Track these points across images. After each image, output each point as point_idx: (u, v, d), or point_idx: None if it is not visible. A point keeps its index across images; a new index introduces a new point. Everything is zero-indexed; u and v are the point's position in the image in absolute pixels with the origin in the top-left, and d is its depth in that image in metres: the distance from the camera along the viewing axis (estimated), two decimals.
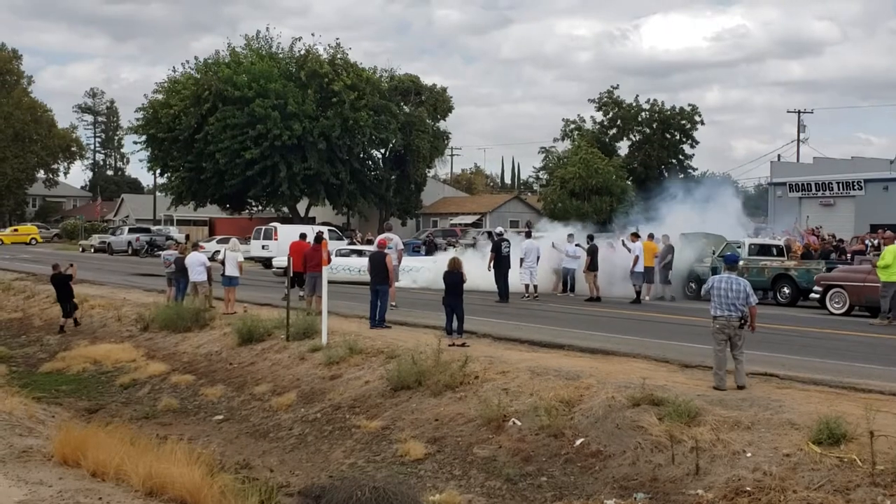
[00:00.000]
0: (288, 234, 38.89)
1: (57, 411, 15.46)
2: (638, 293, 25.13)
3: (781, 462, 9.50)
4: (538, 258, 26.12)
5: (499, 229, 28.53)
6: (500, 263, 24.87)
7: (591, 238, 26.24)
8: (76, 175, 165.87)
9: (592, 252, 25.59)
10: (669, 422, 10.78)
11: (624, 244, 25.54)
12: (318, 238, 21.85)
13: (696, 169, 62.11)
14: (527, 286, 26.01)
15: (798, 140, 65.00)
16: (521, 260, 26.02)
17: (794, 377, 12.61)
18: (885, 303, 19.72)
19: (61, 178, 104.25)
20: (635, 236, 25.38)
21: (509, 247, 25.48)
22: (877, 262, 20.12)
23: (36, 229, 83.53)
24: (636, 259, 24.86)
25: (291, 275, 21.68)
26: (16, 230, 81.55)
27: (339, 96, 57.16)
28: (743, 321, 12.09)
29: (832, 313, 21.99)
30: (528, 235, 26.92)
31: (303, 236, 25.74)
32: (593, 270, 25.64)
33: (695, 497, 9.42)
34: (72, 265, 25.73)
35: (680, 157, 61.00)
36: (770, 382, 12.40)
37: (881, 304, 19.84)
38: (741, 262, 19.70)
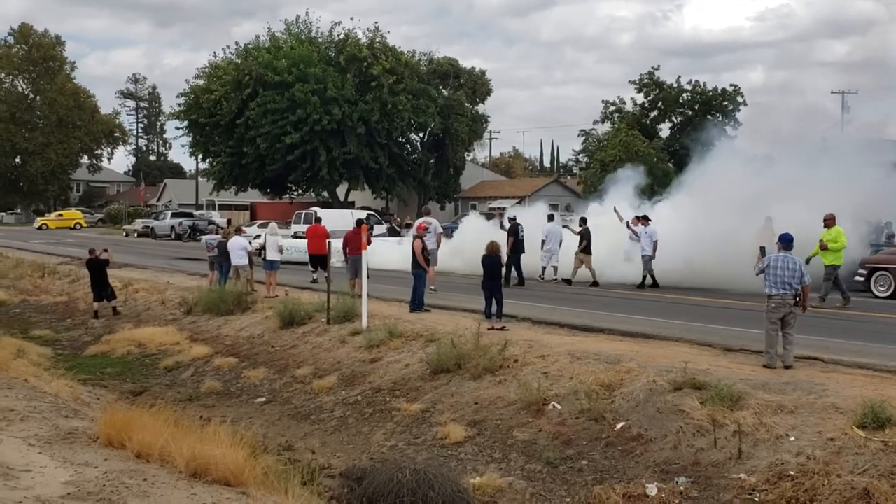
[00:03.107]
0: (328, 218, 39.03)
1: (102, 393, 15.69)
2: (644, 278, 24.10)
3: (825, 446, 9.40)
4: (560, 242, 25.83)
5: (512, 214, 28.31)
6: (517, 247, 24.46)
7: (583, 221, 25.37)
8: (119, 160, 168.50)
9: (586, 235, 24.86)
10: (712, 406, 10.72)
11: (629, 227, 24.63)
12: (359, 222, 21.94)
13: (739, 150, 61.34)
14: (544, 268, 25.93)
15: (842, 121, 64.03)
16: (542, 242, 25.83)
17: (839, 361, 12.47)
18: (829, 286, 19.04)
19: (105, 163, 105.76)
20: (645, 220, 24.33)
21: (524, 231, 25.28)
22: (826, 245, 18.86)
23: (80, 214, 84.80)
24: (656, 244, 23.71)
25: (331, 259, 21.72)
26: (60, 215, 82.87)
27: (378, 80, 57.18)
28: (797, 299, 12.20)
29: (877, 297, 21.66)
30: (550, 219, 26.37)
31: (318, 220, 25.86)
32: (587, 254, 24.93)
33: (737, 481, 9.36)
34: (106, 250, 25.90)
35: (722, 138, 60.23)
36: (814, 366, 12.28)
37: (828, 287, 19.01)
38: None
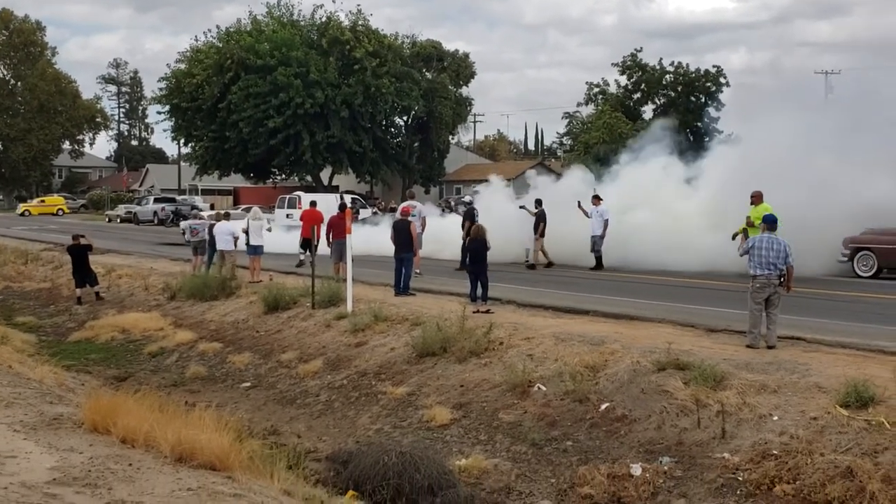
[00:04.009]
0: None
1: (86, 379, 15.64)
2: (598, 259, 24.07)
3: (808, 425, 9.47)
4: (536, 227, 25.21)
5: (467, 197, 28.12)
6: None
7: (539, 203, 25.02)
8: (101, 146, 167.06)
9: (542, 217, 24.50)
10: (695, 386, 10.76)
11: (580, 207, 24.41)
12: (342, 206, 21.87)
13: (722, 132, 61.59)
14: (528, 250, 25.85)
15: (826, 101, 64.14)
16: None
17: (821, 340, 12.54)
18: None
19: (87, 148, 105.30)
20: (597, 199, 24.16)
21: (478, 214, 24.96)
22: (752, 222, 17.99)
23: (63, 200, 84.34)
24: (606, 223, 23.69)
25: (316, 242, 21.69)
26: (43, 201, 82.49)
27: (361, 63, 57.05)
28: (781, 279, 12.27)
29: (860, 276, 21.75)
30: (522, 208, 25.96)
31: (313, 204, 25.80)
32: (542, 237, 24.58)
33: (721, 461, 9.42)
34: (83, 236, 25.72)
35: (705, 119, 60.35)
36: (797, 346, 12.35)
37: None
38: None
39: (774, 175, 20.96)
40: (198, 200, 66.94)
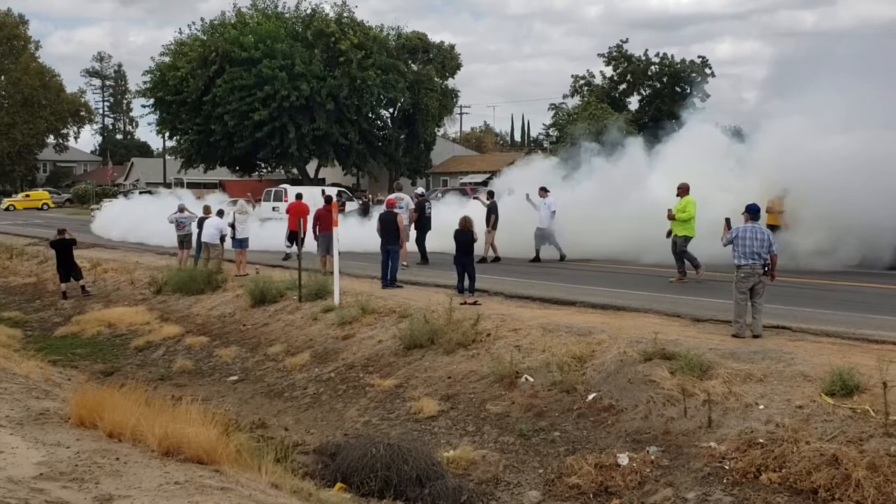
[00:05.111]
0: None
1: (73, 374, 15.60)
2: (537, 251, 23.78)
3: (794, 414, 9.51)
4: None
5: (419, 190, 28.09)
6: (423, 224, 23.95)
7: (491, 195, 24.58)
8: (86, 140, 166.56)
9: (493, 209, 23.80)
10: (681, 375, 10.81)
11: (528, 199, 23.97)
12: (328, 199, 21.84)
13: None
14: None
15: None
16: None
17: (807, 329, 12.59)
18: (690, 256, 18.52)
19: (71, 142, 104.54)
20: (544, 191, 23.71)
21: (431, 207, 24.86)
22: (673, 214, 18.51)
23: (47, 194, 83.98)
24: (553, 214, 23.29)
25: (303, 235, 21.64)
26: (27, 196, 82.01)
27: (347, 55, 56.89)
28: (766, 268, 12.32)
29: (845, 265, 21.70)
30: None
31: (299, 196, 25.78)
32: (493, 229, 23.81)
33: (707, 449, 9.45)
34: (65, 230, 25.63)
35: (690, 110, 60.48)
36: (782, 335, 12.40)
37: (679, 258, 18.63)
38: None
39: (832, 158, 19.84)
40: (183, 194, 66.62)
